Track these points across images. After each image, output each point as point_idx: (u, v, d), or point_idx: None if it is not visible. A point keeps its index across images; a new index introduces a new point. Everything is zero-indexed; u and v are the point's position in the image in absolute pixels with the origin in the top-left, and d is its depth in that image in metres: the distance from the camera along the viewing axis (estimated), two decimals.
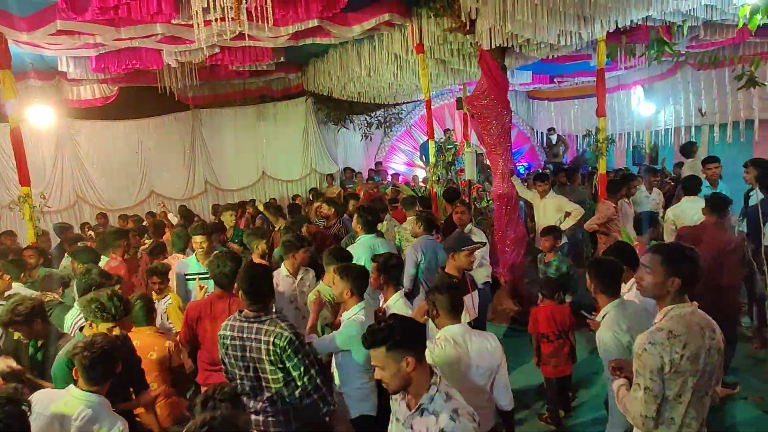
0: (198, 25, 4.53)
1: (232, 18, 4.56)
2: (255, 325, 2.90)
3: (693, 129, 11.27)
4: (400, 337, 2.15)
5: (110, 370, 2.58)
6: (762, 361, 5.04)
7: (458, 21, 6.07)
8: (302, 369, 2.84)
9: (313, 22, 6.28)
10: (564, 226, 6.52)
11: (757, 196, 5.25)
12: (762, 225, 4.80)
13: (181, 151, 11.65)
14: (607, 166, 7.02)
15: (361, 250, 4.71)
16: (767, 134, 9.65)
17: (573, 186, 8.41)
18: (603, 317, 2.98)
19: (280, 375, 2.88)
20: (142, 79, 8.96)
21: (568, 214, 6.51)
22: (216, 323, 3.46)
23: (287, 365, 2.85)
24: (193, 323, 3.65)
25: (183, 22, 5.75)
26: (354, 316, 3.28)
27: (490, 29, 5.71)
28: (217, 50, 7.36)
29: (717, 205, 4.59)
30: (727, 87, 10.10)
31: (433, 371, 2.24)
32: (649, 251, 2.44)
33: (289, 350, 2.81)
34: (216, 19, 4.61)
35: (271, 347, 2.82)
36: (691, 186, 5.75)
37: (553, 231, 5.38)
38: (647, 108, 12.17)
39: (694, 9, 5.68)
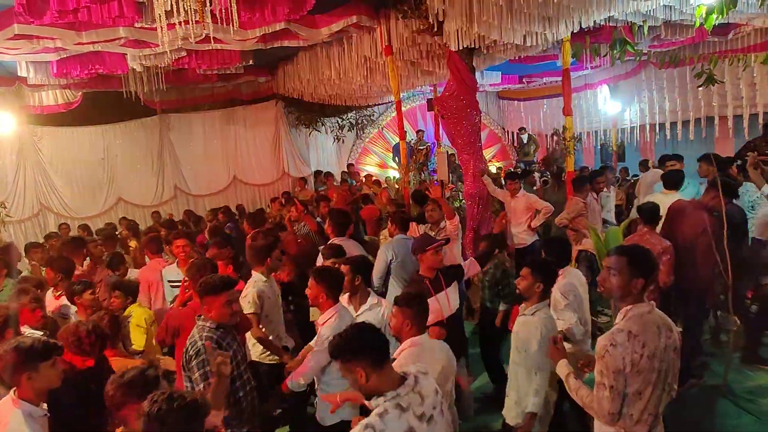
0: (161, 28, 4.45)
1: (196, 21, 4.48)
2: None
3: (657, 126, 11.57)
4: (339, 353, 2.18)
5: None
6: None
7: (426, 23, 6.10)
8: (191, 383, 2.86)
9: (281, 25, 6.24)
10: (534, 224, 6.63)
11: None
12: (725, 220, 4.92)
13: (148, 157, 11.43)
14: (576, 164, 7.17)
15: None
16: (726, 130, 9.95)
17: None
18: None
19: (188, 385, 2.89)
20: (107, 83, 8.76)
21: (538, 212, 6.62)
22: None
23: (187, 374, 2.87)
24: (173, 332, 3.58)
25: (146, 26, 5.66)
26: (329, 319, 3.27)
27: (457, 31, 5.75)
28: (183, 54, 7.25)
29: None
30: (688, 85, 10.39)
31: (404, 379, 2.19)
32: (613, 253, 2.51)
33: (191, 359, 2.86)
34: (180, 23, 4.53)
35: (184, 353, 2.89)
36: (671, 180, 5.86)
37: (488, 237, 5.13)
38: (613, 106, 12.44)
39: (653, 9, 5.84)
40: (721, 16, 4.89)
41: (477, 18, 5.33)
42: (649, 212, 4.63)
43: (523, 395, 3.17)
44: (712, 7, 4.92)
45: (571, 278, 3.79)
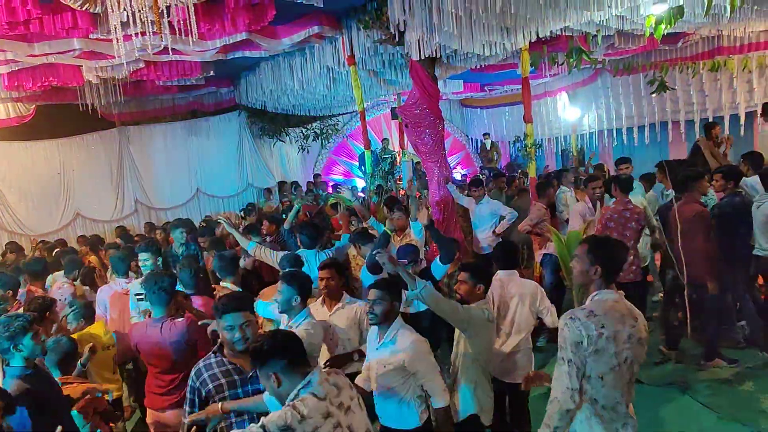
0: (117, 39, 4.37)
1: (153, 32, 4.42)
2: None
3: (615, 132, 11.94)
4: (261, 360, 2.24)
5: None
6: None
7: (387, 33, 6.16)
8: None
9: (242, 36, 6.20)
10: (498, 230, 6.72)
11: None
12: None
13: (107, 171, 11.10)
14: (537, 170, 7.32)
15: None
16: (679, 134, 10.35)
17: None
18: None
19: None
20: (62, 96, 8.53)
21: (502, 218, 6.72)
22: (151, 349, 3.38)
23: None
24: (135, 347, 3.50)
25: (102, 37, 5.53)
26: (302, 321, 3.28)
27: (418, 41, 5.83)
28: (141, 65, 7.11)
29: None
30: (642, 91, 10.77)
31: (309, 377, 2.26)
32: (581, 242, 2.70)
33: None
34: (136, 34, 4.44)
35: None
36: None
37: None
38: (572, 113, 12.77)
39: (606, 20, 6.04)
40: (669, 26, 5.12)
41: (437, 28, 5.41)
42: (625, 182, 5.30)
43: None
44: (660, 17, 5.14)
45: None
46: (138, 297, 4.61)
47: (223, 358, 2.76)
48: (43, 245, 8.50)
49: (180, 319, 3.40)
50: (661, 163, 5.73)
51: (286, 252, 4.79)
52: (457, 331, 3.46)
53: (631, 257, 5.13)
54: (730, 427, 4.16)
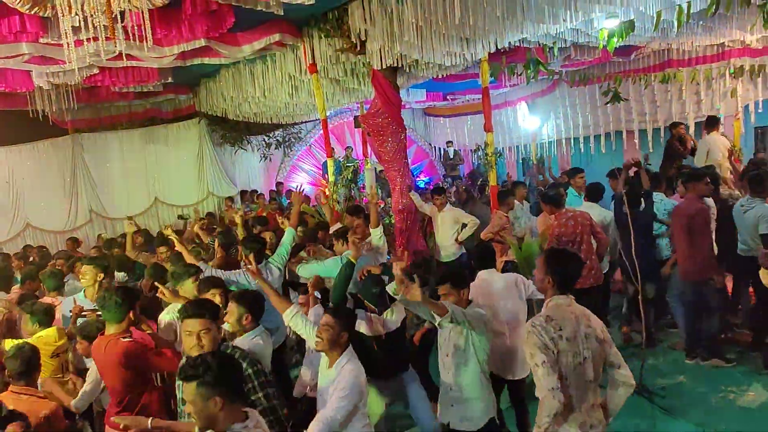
0: (68, 44, 4.22)
1: (106, 37, 4.29)
2: None
3: (572, 141, 12.26)
4: (211, 376, 2.12)
5: None
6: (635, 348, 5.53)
7: (349, 42, 6.16)
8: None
9: (200, 42, 6.09)
10: (461, 238, 6.79)
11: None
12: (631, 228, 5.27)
13: (60, 179, 10.71)
14: (498, 178, 7.42)
15: None
16: (633, 143, 10.71)
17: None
18: None
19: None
20: (10, 102, 8.18)
21: (464, 226, 6.79)
22: (100, 367, 3.30)
23: None
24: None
25: (53, 42, 5.34)
26: (254, 339, 3.26)
27: (380, 50, 5.86)
28: (95, 71, 6.89)
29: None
30: (597, 102, 11.09)
31: (247, 415, 2.23)
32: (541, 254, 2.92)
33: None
34: (89, 39, 4.31)
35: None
36: (593, 192, 6.18)
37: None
38: (532, 122, 13.05)
39: (562, 32, 6.21)
40: (621, 39, 5.30)
41: (398, 38, 5.45)
42: (553, 198, 5.52)
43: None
44: (613, 31, 5.32)
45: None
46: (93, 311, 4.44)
47: None
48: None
49: (126, 339, 3.27)
50: (612, 171, 5.90)
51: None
52: (447, 350, 3.40)
53: (590, 262, 5.25)
54: (684, 427, 4.30)
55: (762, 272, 4.04)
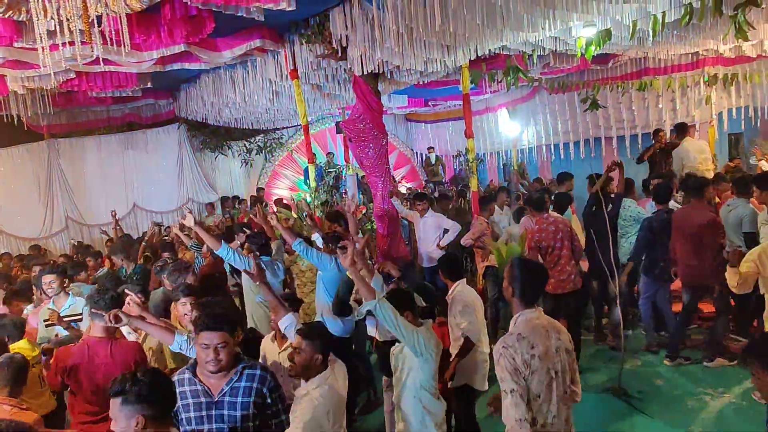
0: (43, 49, 4.15)
1: (83, 42, 4.22)
2: None
3: (552, 147, 12.41)
4: (136, 395, 2.02)
5: None
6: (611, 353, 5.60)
7: (330, 48, 6.16)
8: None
9: (180, 47, 6.03)
10: (443, 243, 6.80)
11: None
12: (609, 232, 5.34)
13: (35, 185, 10.50)
14: (481, 183, 7.49)
15: None
16: (611, 150, 10.88)
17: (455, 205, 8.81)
18: None
19: None
20: None
21: (446, 231, 6.81)
22: (98, 371, 3.21)
23: None
24: (65, 372, 3.25)
25: (27, 46, 5.25)
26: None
27: (360, 56, 5.87)
28: (72, 75, 6.78)
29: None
30: (577, 109, 11.25)
31: None
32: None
33: None
34: (64, 43, 4.24)
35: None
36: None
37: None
38: (512, 128, 13.18)
39: (541, 40, 6.28)
40: (598, 47, 5.39)
41: (379, 44, 5.47)
42: (536, 202, 5.56)
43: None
44: (590, 39, 5.41)
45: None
46: (72, 318, 4.36)
47: (194, 377, 2.61)
48: None
49: (130, 340, 3.23)
50: (591, 176, 5.98)
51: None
52: (395, 365, 3.34)
53: (569, 267, 5.30)
54: (661, 429, 4.35)
55: (728, 271, 4.01)
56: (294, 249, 4.71)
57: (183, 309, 3.85)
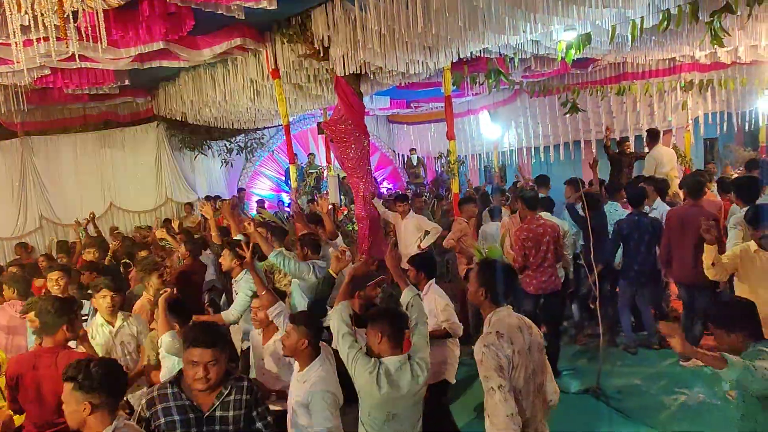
0: (16, 44, 4.04)
1: (58, 38, 4.12)
2: None
3: (533, 149, 12.53)
4: (87, 380, 2.19)
5: None
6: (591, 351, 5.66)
7: (312, 48, 6.12)
8: None
9: (159, 45, 5.93)
10: (423, 245, 6.80)
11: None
12: (590, 234, 5.41)
13: (8, 184, 10.24)
14: (461, 186, 7.51)
15: None
16: (591, 152, 11.01)
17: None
18: None
19: None
20: None
21: (427, 233, 6.81)
22: (42, 381, 3.08)
23: None
24: (13, 382, 3.14)
25: (0, 41, 5.11)
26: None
27: (343, 56, 5.84)
28: (47, 72, 6.63)
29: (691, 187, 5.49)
30: (557, 112, 11.38)
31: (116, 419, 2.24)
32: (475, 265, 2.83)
33: None
34: (38, 39, 4.14)
35: None
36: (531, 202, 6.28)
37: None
38: (494, 131, 13.28)
39: (522, 43, 6.33)
40: (578, 52, 5.45)
41: (362, 45, 5.45)
42: (531, 200, 5.48)
43: None
44: (571, 43, 5.47)
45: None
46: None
47: (181, 392, 2.49)
48: None
49: (80, 350, 3.14)
50: (574, 179, 6.05)
51: None
52: None
53: (551, 269, 5.35)
54: (639, 429, 4.41)
55: (706, 249, 3.94)
56: (271, 259, 4.67)
57: (103, 302, 3.89)
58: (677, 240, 5.32)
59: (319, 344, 2.99)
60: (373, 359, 2.76)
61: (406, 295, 3.11)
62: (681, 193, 6.99)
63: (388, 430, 2.76)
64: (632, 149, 8.82)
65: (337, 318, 2.96)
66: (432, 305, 3.94)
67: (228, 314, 4.46)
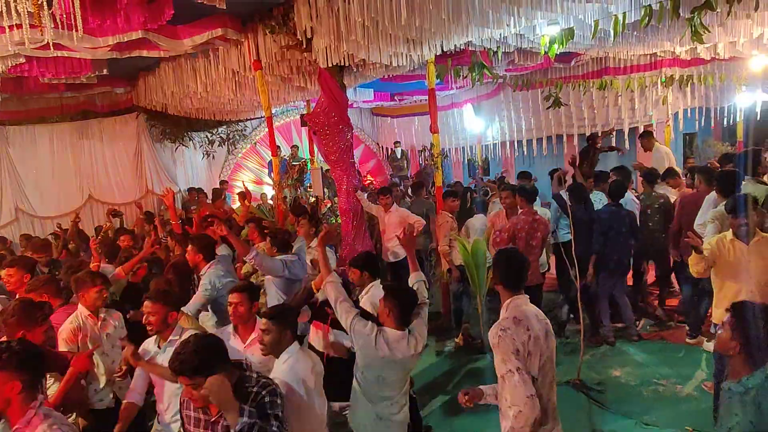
0: None
1: (32, 25, 4.01)
2: None
3: (516, 143, 12.58)
4: (13, 362, 2.22)
5: None
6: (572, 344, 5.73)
7: (295, 39, 6.05)
8: None
9: (137, 34, 5.80)
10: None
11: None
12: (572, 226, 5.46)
13: None
14: (445, 179, 7.52)
15: None
16: (573, 147, 11.10)
17: (419, 198, 8.82)
18: None
19: None
20: None
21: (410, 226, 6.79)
22: None
23: None
24: None
25: None
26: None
27: (326, 48, 5.78)
28: (21, 60, 6.45)
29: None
30: (540, 106, 11.43)
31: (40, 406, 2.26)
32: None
33: None
34: (12, 26, 4.02)
35: None
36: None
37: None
38: (477, 124, 13.30)
39: (506, 37, 6.33)
40: (561, 46, 5.46)
41: (345, 37, 5.40)
42: (530, 193, 5.61)
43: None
44: (554, 37, 5.48)
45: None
46: None
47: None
48: None
49: None
50: (553, 170, 6.12)
51: None
52: None
53: (536, 263, 5.48)
54: (617, 420, 4.48)
55: (693, 257, 4.04)
56: (247, 260, 4.65)
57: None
58: (689, 222, 5.42)
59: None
60: (370, 323, 3.04)
61: (412, 279, 3.51)
62: (683, 182, 7.06)
63: (377, 390, 3.06)
64: (601, 144, 8.91)
65: (331, 289, 3.27)
66: (375, 300, 3.72)
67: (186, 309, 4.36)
